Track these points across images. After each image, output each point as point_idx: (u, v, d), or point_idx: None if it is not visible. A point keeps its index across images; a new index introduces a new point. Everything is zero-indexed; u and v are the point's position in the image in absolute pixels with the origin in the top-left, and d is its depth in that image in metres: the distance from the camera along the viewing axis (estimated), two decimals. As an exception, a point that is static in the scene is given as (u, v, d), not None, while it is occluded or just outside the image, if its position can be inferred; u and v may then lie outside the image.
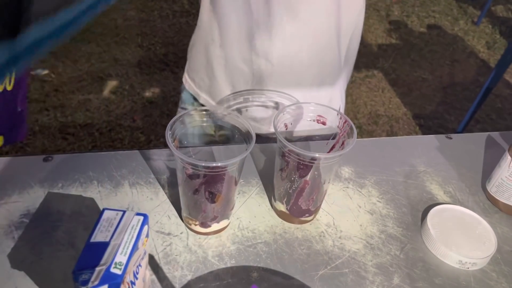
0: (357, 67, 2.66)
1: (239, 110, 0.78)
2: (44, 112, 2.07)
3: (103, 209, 0.41)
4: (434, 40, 3.11)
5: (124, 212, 0.41)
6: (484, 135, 0.81)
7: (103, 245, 0.37)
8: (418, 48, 2.98)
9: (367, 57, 2.78)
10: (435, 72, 2.76)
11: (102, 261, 0.36)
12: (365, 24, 0.97)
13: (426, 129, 2.29)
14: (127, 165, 0.64)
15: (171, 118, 0.52)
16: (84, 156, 0.65)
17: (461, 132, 2.13)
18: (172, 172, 0.64)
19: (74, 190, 0.60)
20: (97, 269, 0.35)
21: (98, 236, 0.38)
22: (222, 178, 0.52)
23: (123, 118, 2.09)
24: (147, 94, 2.25)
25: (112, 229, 0.39)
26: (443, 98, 2.53)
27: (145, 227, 0.41)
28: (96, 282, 0.34)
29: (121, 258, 0.37)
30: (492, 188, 0.66)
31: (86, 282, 0.34)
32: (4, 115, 0.55)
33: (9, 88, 0.51)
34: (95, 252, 0.37)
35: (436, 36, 3.17)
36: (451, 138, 0.79)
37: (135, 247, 0.38)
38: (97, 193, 0.60)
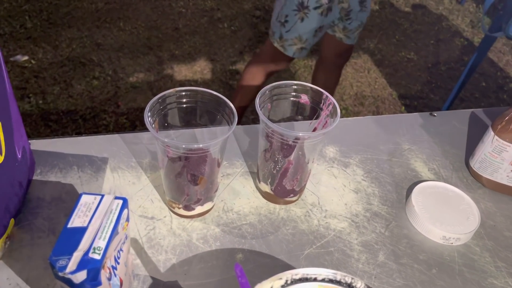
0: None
1: None
2: (25, 99, 2.02)
3: (81, 194, 0.39)
4: (419, 20, 3.10)
5: (102, 196, 0.40)
6: (467, 112, 0.81)
7: (81, 230, 0.36)
8: (403, 28, 2.97)
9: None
10: (420, 52, 2.76)
11: (80, 247, 0.35)
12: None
13: (412, 109, 2.30)
14: (108, 149, 0.63)
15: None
16: (64, 141, 0.63)
17: (446, 111, 2.14)
18: (154, 156, 0.63)
19: (54, 176, 0.58)
20: (75, 254, 0.34)
21: (76, 221, 0.37)
22: (205, 160, 0.51)
23: (107, 104, 2.05)
24: (131, 79, 2.21)
25: (90, 214, 0.38)
26: (428, 77, 2.54)
27: (125, 211, 0.40)
28: (74, 268, 0.33)
29: (100, 243, 0.36)
30: (475, 164, 0.66)
31: (63, 268, 0.33)
32: (9, 192, 0.49)
33: (0, 159, 0.45)
34: (73, 237, 0.36)
35: (421, 15, 3.16)
36: (435, 115, 0.79)
37: (114, 232, 0.37)
38: (77, 178, 0.58)
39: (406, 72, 2.57)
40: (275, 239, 0.55)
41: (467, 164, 0.69)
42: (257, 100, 0.53)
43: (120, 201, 0.40)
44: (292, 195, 0.58)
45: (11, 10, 2.56)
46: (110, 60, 2.32)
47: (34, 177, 0.57)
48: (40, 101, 2.02)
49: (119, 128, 1.94)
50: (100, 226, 0.37)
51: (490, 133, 0.62)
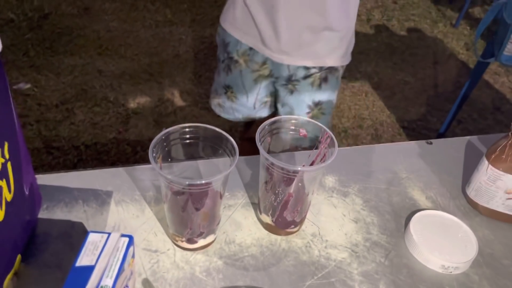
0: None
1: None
2: (27, 126, 2.04)
3: (88, 232, 0.41)
4: (415, 43, 3.16)
5: (109, 234, 0.41)
6: (464, 139, 0.83)
7: (89, 269, 0.37)
8: (400, 52, 3.02)
9: (350, 62, 2.81)
10: (417, 74, 2.80)
11: (88, 285, 0.36)
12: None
13: (410, 131, 2.32)
14: (112, 183, 0.64)
15: (157, 129, 0.53)
16: (69, 175, 0.65)
17: (444, 133, 2.16)
18: (158, 189, 0.64)
19: (60, 210, 0.59)
20: (83, 294, 0.35)
21: (84, 260, 0.38)
22: (207, 193, 0.52)
23: (108, 130, 2.08)
24: (132, 105, 2.24)
25: (97, 252, 0.39)
26: (426, 100, 2.58)
27: (131, 248, 0.41)
28: (83, 307, 0.34)
29: (107, 281, 0.37)
30: (471, 192, 0.67)
31: (72, 308, 0.34)
32: (17, 228, 0.50)
33: (9, 197, 0.46)
34: (81, 276, 0.37)
35: (417, 39, 3.23)
36: (431, 143, 0.81)
37: (121, 269, 0.39)
38: (82, 212, 0.60)
39: (403, 95, 2.61)
40: (277, 271, 0.56)
41: (464, 192, 0.70)
42: (257, 135, 0.55)
43: (126, 239, 0.41)
44: (293, 226, 0.60)
45: (14, 39, 2.61)
46: (111, 86, 2.36)
47: (41, 212, 0.59)
48: (42, 128, 2.04)
49: (120, 155, 1.95)
50: (107, 265, 0.38)
51: (484, 162, 0.64)
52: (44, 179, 0.63)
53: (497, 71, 2.91)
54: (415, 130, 2.33)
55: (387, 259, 0.59)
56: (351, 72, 2.72)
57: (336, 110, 2.39)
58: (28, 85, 2.30)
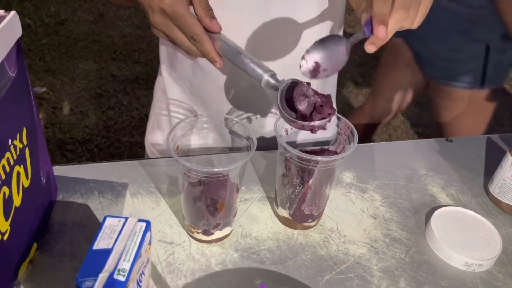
0: (354, 77, 2.68)
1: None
2: (42, 129, 2.07)
3: (105, 216, 0.40)
4: (429, 49, 3.14)
5: (126, 218, 0.40)
6: (483, 137, 0.81)
7: (106, 252, 0.37)
8: (413, 58, 3.00)
9: (363, 67, 2.80)
10: (431, 80, 2.77)
11: (105, 268, 0.35)
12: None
13: (425, 137, 2.29)
14: (128, 175, 0.64)
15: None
16: (85, 167, 0.65)
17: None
18: (173, 181, 0.64)
19: (75, 201, 0.59)
20: (101, 275, 0.35)
21: (101, 243, 0.38)
22: (224, 185, 0.52)
23: (122, 134, 2.09)
24: (145, 109, 2.25)
25: (114, 236, 0.38)
26: (440, 106, 2.54)
27: (148, 234, 0.41)
28: (100, 289, 0.34)
29: (124, 264, 0.36)
30: (494, 189, 0.65)
31: (89, 289, 0.34)
32: (33, 216, 0.50)
33: (26, 183, 0.47)
34: (98, 259, 0.36)
35: (431, 45, 3.20)
36: (451, 141, 0.79)
37: (138, 254, 0.38)
38: (98, 203, 0.59)
39: (417, 100, 2.58)
40: (294, 265, 0.55)
41: (486, 190, 0.68)
42: (275, 125, 0.54)
43: (144, 224, 0.40)
44: (310, 220, 0.58)
45: (31, 44, 2.65)
46: (125, 91, 2.38)
47: (56, 202, 0.59)
48: (57, 131, 2.07)
49: (133, 158, 1.96)
50: (125, 248, 0.37)
51: (509, 158, 0.62)
52: (60, 170, 0.63)
53: (513, 78, 2.86)
54: (430, 136, 2.30)
55: (408, 256, 0.58)
56: (364, 78, 2.70)
57: (349, 114, 2.37)
58: (44, 89, 2.33)
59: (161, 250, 0.54)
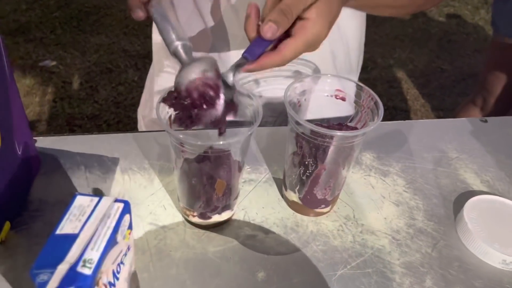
0: (373, 58, 2.56)
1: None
2: (51, 103, 2.02)
3: (75, 194, 0.33)
4: (454, 30, 2.98)
5: (100, 198, 0.33)
6: (522, 118, 0.72)
7: (71, 238, 0.30)
8: (437, 38, 2.85)
9: (383, 47, 2.68)
10: (454, 62, 2.63)
11: (67, 258, 0.29)
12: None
13: (446, 121, 2.18)
14: (119, 149, 0.57)
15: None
16: (71, 138, 0.58)
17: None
18: (169, 157, 0.57)
19: (59, 176, 0.53)
20: (59, 267, 0.28)
21: (66, 227, 0.31)
22: (224, 162, 0.44)
23: (131, 110, 2.03)
24: (156, 85, 2.19)
25: (83, 219, 0.32)
26: (464, 89, 2.42)
27: (126, 216, 0.34)
28: (56, 284, 0.27)
29: (91, 254, 0.29)
30: (537, 176, 0.57)
31: (44, 284, 0.27)
32: (5, 191, 0.44)
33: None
34: (60, 247, 0.29)
35: (456, 25, 3.04)
36: (486, 121, 0.70)
37: (111, 241, 0.31)
38: (84, 179, 0.53)
39: (439, 83, 2.46)
40: (303, 256, 0.47)
41: (527, 177, 0.60)
42: (285, 94, 0.46)
43: (121, 205, 0.33)
44: (323, 205, 0.51)
45: (42, 17, 2.60)
46: (136, 66, 2.31)
47: (37, 177, 0.52)
48: (66, 106, 2.02)
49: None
50: (94, 234, 0.31)
51: (558, 140, 0.53)
52: (44, 141, 0.56)
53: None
54: (452, 120, 2.19)
55: (435, 250, 0.50)
56: (384, 58, 2.58)
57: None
58: (54, 63, 2.28)
59: (151, 235, 0.48)
